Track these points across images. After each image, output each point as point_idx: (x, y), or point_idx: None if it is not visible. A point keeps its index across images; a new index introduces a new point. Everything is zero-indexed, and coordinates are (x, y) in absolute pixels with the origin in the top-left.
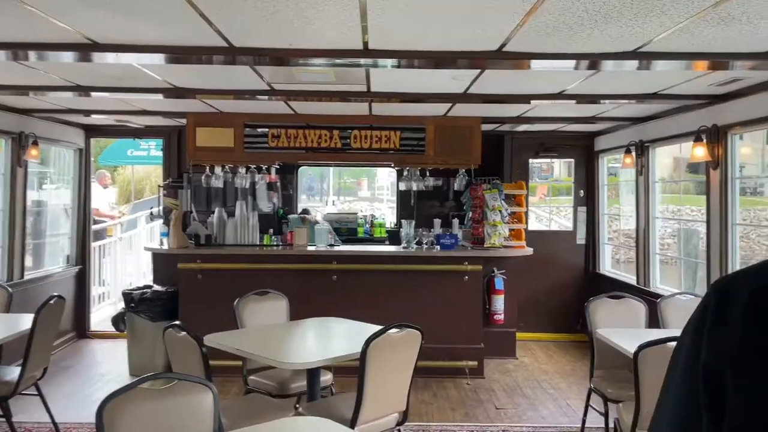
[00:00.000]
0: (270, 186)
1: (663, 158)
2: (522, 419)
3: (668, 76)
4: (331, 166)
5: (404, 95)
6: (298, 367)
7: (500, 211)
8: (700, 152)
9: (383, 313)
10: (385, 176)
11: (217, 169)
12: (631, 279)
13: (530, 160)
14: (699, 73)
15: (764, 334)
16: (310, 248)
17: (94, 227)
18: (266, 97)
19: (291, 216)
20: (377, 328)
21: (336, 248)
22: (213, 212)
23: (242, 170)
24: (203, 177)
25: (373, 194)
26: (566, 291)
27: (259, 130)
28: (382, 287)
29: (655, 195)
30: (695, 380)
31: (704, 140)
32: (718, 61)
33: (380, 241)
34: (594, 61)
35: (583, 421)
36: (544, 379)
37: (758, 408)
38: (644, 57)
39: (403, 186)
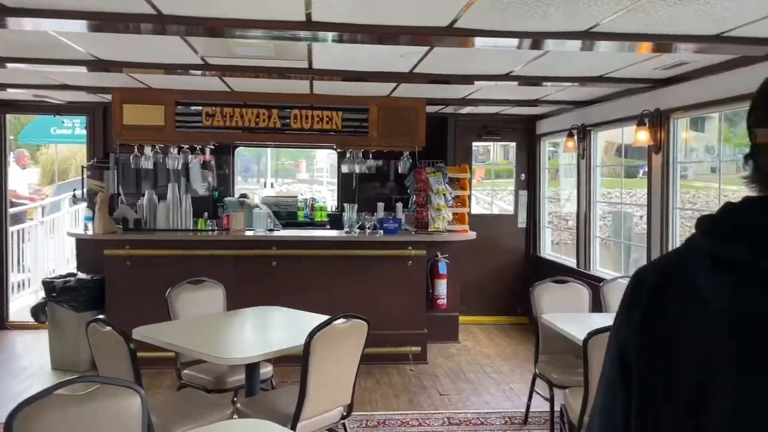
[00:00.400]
0: (204, 166)
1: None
2: (466, 405)
3: (614, 59)
4: (270, 147)
5: (347, 73)
6: (236, 363)
7: (444, 194)
8: (642, 136)
9: (326, 300)
10: (325, 158)
11: (147, 149)
12: (570, 261)
13: (473, 143)
14: (645, 56)
15: (661, 320)
16: (248, 233)
17: (11, 210)
18: (200, 72)
19: (227, 199)
20: (319, 316)
21: (276, 233)
22: (143, 195)
23: (174, 150)
24: (131, 157)
25: (312, 176)
26: (507, 274)
27: (193, 108)
28: (324, 273)
29: (596, 179)
30: (615, 362)
31: (647, 124)
32: (662, 43)
33: (321, 226)
34: (537, 40)
35: (528, 407)
36: (487, 363)
37: (653, 389)
38: (590, 37)
39: (345, 168)
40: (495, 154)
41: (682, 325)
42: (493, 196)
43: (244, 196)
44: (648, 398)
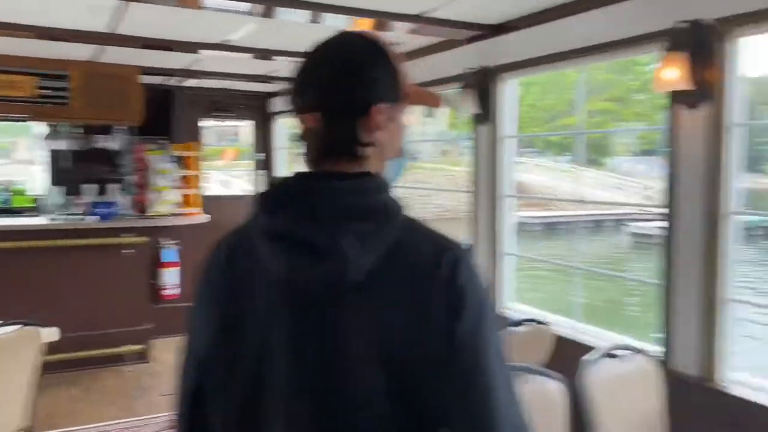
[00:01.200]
0: None
1: None
2: None
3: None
4: None
5: (33, 29)
6: None
7: (168, 175)
8: None
9: (18, 304)
10: None
11: None
12: None
13: (204, 120)
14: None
15: (235, 284)
16: None
17: None
18: None
19: None
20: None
21: None
22: None
23: None
24: None
25: (34, 156)
26: None
27: None
28: (18, 270)
29: None
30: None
31: None
32: (381, 20)
33: (27, 212)
34: (269, 7)
35: None
36: None
37: (196, 319)
38: (315, 8)
39: (48, 145)
40: (246, 134)
41: (249, 293)
42: (239, 177)
43: None
44: (220, 347)
